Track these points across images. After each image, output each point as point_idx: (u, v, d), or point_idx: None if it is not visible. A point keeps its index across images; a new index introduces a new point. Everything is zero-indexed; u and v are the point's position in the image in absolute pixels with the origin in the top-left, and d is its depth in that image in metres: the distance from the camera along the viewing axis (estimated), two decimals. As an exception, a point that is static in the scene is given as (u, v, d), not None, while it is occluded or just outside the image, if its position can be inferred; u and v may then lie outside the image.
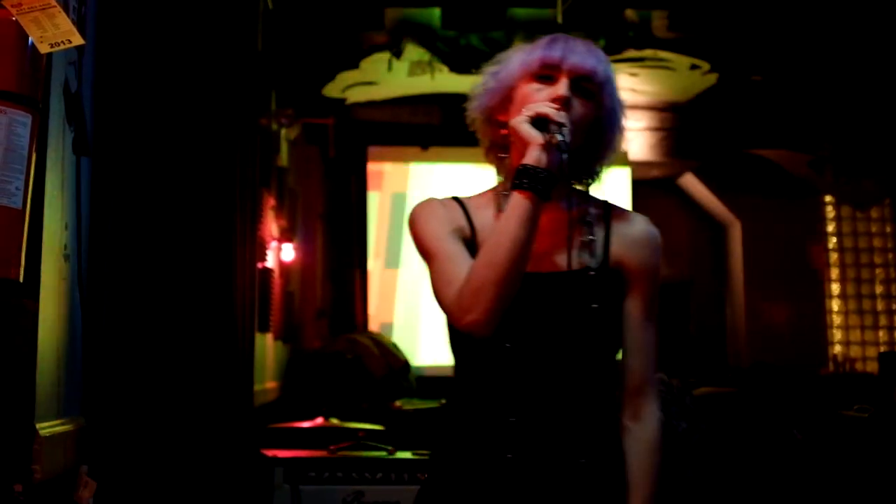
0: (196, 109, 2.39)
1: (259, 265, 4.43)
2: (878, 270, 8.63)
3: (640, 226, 1.58)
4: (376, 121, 7.67)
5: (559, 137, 1.39)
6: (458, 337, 1.51)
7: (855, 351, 8.50)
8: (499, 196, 1.55)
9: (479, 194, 1.60)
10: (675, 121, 7.90)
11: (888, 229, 8.61)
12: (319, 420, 4.13)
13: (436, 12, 6.15)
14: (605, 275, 1.52)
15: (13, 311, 1.71)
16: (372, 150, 7.73)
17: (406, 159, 7.68)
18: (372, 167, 7.71)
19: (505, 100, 1.52)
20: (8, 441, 1.70)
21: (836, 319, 8.57)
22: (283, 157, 5.96)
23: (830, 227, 8.69)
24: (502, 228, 1.40)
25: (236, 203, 2.50)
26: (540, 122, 1.41)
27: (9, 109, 1.50)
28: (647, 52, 6.46)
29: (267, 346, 5.20)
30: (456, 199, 1.58)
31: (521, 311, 1.44)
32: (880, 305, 8.59)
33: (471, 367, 1.53)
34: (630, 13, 6.14)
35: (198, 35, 2.41)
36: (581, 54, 1.48)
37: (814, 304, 8.50)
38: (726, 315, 8.90)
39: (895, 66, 6.17)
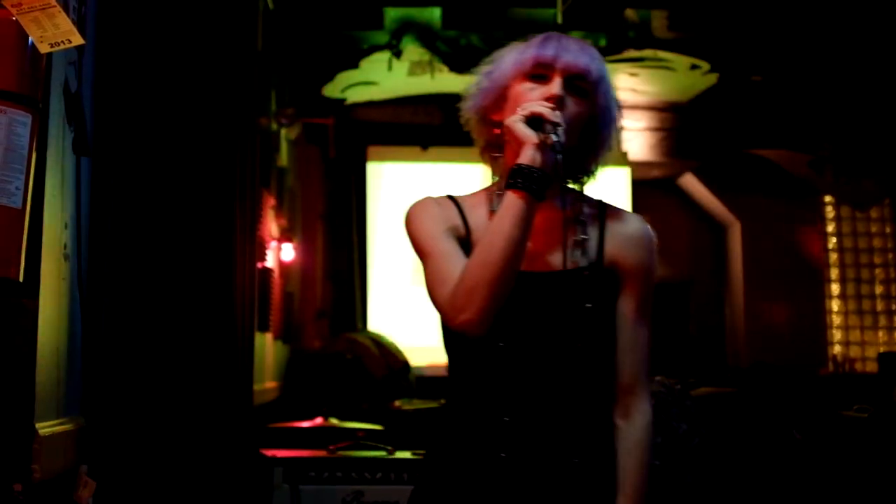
0: (196, 109, 2.39)
1: (259, 265, 4.43)
2: (877, 270, 8.63)
3: (635, 225, 1.57)
4: (376, 121, 7.68)
5: (554, 137, 1.39)
6: (452, 336, 1.51)
7: (855, 351, 8.50)
8: (492, 195, 1.55)
9: (474, 193, 1.60)
10: (675, 121, 7.91)
11: (888, 229, 8.62)
12: (319, 420, 4.13)
13: (436, 12, 6.16)
14: (599, 274, 1.51)
15: (13, 311, 1.71)
16: (372, 149, 7.73)
17: (406, 159, 7.68)
18: (372, 167, 7.71)
19: (499, 99, 1.52)
20: (8, 441, 1.70)
21: (836, 319, 8.58)
22: (283, 157, 5.96)
23: (830, 227, 8.69)
24: (496, 228, 1.39)
25: (236, 203, 2.50)
26: (535, 121, 1.40)
27: (9, 109, 1.50)
28: (647, 52, 6.47)
29: (267, 346, 5.20)
30: (451, 197, 1.58)
31: (515, 310, 1.44)
32: (880, 305, 8.60)
33: (464, 366, 1.53)
34: (630, 13, 6.15)
35: (198, 35, 2.41)
36: (574, 53, 1.47)
37: (813, 304, 8.50)
38: (726, 315, 8.90)
39: (895, 66, 6.17)
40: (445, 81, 6.61)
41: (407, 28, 6.24)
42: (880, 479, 3.41)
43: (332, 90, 6.99)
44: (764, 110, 7.30)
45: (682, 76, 6.90)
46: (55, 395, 1.98)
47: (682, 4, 6.02)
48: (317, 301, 7.54)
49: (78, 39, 1.59)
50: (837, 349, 8.51)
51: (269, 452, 3.43)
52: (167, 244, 2.31)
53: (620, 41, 6.29)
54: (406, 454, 3.49)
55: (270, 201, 5.30)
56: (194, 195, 2.37)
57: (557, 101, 1.43)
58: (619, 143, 1.64)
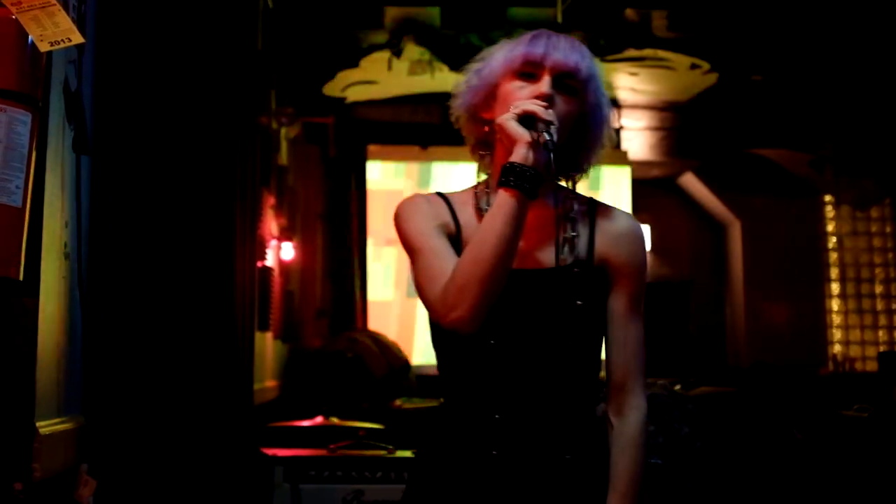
0: (196, 108, 2.39)
1: (259, 264, 4.43)
2: (878, 270, 8.63)
3: (625, 222, 1.56)
4: (376, 120, 7.68)
5: (547, 136, 1.38)
6: (442, 334, 1.50)
7: (855, 351, 8.50)
8: (480, 193, 1.54)
9: (463, 190, 1.59)
10: (676, 120, 7.91)
11: (888, 229, 8.62)
12: (319, 419, 4.13)
13: (436, 11, 6.15)
14: (590, 272, 1.51)
15: (13, 310, 1.71)
16: (372, 148, 7.73)
17: (406, 158, 7.68)
18: (372, 166, 7.71)
19: (488, 97, 1.51)
20: (8, 439, 1.70)
21: (836, 319, 8.58)
22: (283, 156, 5.96)
23: (830, 227, 8.69)
24: (488, 226, 1.39)
25: (236, 202, 2.50)
26: (527, 119, 1.40)
27: (9, 108, 1.50)
28: (647, 52, 6.46)
29: (267, 345, 5.20)
30: (440, 194, 1.57)
31: (506, 308, 1.44)
32: (880, 305, 8.60)
33: (455, 364, 1.53)
34: (630, 13, 6.14)
35: (198, 34, 2.41)
36: (564, 51, 1.47)
37: (814, 303, 8.50)
38: (726, 315, 8.90)
39: (895, 66, 6.17)
40: (445, 81, 6.60)
41: (407, 27, 6.24)
42: (880, 479, 3.41)
43: (332, 89, 6.99)
44: (764, 110, 7.29)
45: (683, 75, 6.90)
46: (55, 394, 1.98)
47: (682, 4, 6.02)
48: (317, 300, 7.53)
49: (78, 38, 1.59)
50: (837, 349, 8.51)
51: (270, 451, 3.43)
52: (167, 243, 2.31)
53: (620, 40, 6.28)
54: (406, 453, 3.48)
55: (270, 200, 5.30)
56: (194, 194, 2.37)
57: (546, 100, 1.43)
58: (613, 141, 1.63)
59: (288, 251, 5.86)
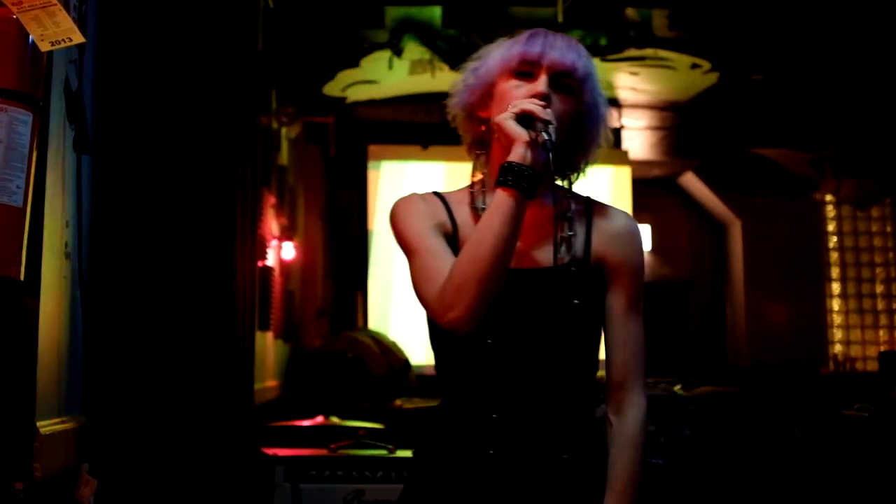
0: (196, 108, 2.39)
1: (259, 263, 4.43)
2: (878, 270, 8.64)
3: (622, 221, 1.56)
4: (377, 119, 7.68)
5: (545, 136, 1.38)
6: (440, 333, 1.50)
7: (855, 350, 8.51)
8: (475, 192, 1.54)
9: (460, 190, 1.59)
10: (676, 120, 7.91)
11: (888, 229, 8.62)
12: (320, 419, 4.13)
13: (437, 11, 6.15)
14: (587, 271, 1.51)
15: (13, 310, 1.71)
16: (372, 148, 7.74)
17: (406, 158, 7.69)
18: (372, 166, 7.72)
19: (485, 96, 1.51)
20: (9, 439, 1.70)
21: (837, 319, 8.58)
22: (284, 156, 5.96)
23: (831, 227, 8.70)
24: (486, 225, 1.38)
25: (237, 201, 2.50)
26: (525, 118, 1.40)
27: (9, 107, 1.50)
28: (648, 51, 6.47)
29: (267, 345, 5.20)
30: (437, 194, 1.57)
31: (503, 307, 1.44)
32: (880, 305, 8.60)
33: (452, 363, 1.53)
34: (631, 12, 6.14)
35: (198, 33, 2.41)
36: (560, 50, 1.46)
37: (814, 303, 8.51)
38: (726, 315, 8.90)
39: (895, 66, 6.17)
40: (446, 80, 6.58)
41: (407, 27, 6.24)
42: (881, 479, 3.41)
43: (332, 89, 7.00)
44: (765, 109, 7.29)
45: (683, 75, 6.90)
46: (56, 394, 1.98)
47: (682, 4, 6.02)
48: (317, 300, 7.54)
49: (79, 38, 1.59)
50: (838, 348, 8.51)
51: (270, 451, 3.43)
52: (168, 243, 2.31)
53: (621, 40, 6.29)
54: (407, 453, 3.48)
55: (271, 200, 5.30)
56: (195, 194, 2.37)
57: (544, 99, 1.42)
58: (610, 141, 1.62)
59: (288, 251, 5.86)
